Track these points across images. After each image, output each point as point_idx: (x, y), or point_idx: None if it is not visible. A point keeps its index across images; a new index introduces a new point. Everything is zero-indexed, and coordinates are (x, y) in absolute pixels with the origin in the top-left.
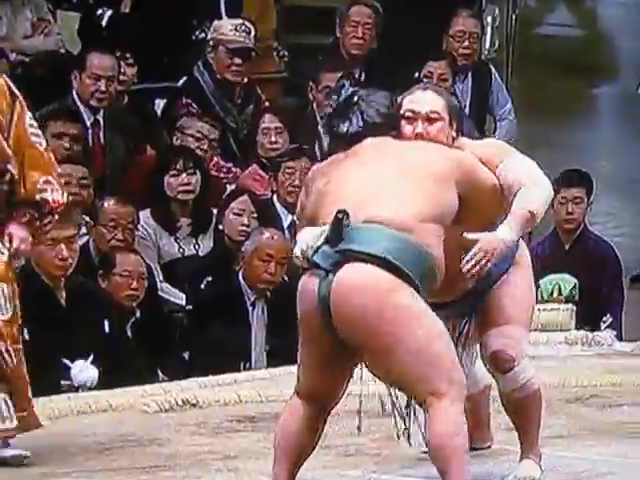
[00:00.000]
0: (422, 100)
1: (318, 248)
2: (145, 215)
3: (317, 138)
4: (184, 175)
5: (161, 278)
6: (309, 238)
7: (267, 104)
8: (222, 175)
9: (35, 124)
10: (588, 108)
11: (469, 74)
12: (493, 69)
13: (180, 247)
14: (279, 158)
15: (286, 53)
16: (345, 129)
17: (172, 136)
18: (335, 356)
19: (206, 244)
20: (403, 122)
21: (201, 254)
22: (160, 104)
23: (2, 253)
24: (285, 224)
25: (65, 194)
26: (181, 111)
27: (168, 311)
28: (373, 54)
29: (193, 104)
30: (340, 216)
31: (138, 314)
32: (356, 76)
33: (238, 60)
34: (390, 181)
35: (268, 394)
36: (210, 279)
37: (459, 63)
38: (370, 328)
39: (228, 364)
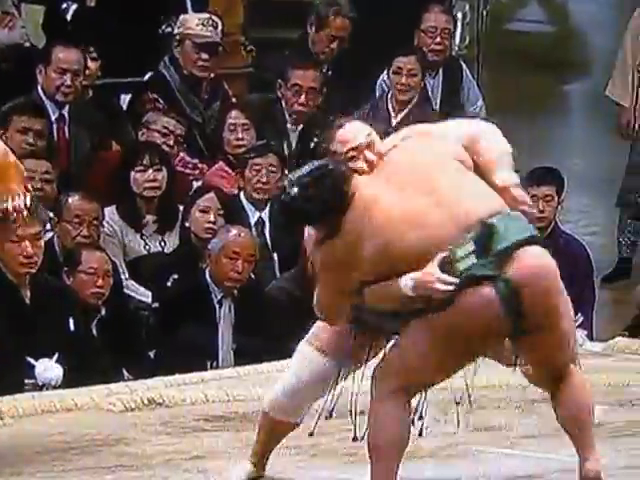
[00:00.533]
0: (349, 137)
1: (467, 268)
2: (110, 211)
3: (285, 135)
4: (150, 171)
5: (127, 275)
6: (433, 269)
7: (234, 100)
8: (188, 171)
9: None
10: (559, 105)
11: (440, 70)
12: (464, 65)
13: (146, 244)
14: (246, 154)
15: (253, 48)
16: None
17: (138, 131)
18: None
19: (172, 241)
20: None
21: (167, 251)
22: (126, 99)
23: None
24: (252, 221)
25: None
26: (147, 106)
27: (134, 309)
28: (342, 51)
29: (159, 99)
30: (488, 223)
31: (103, 312)
32: (323, 71)
33: (205, 55)
34: (447, 184)
35: (236, 393)
36: (176, 277)
37: (430, 59)
38: (558, 304)
39: (195, 363)
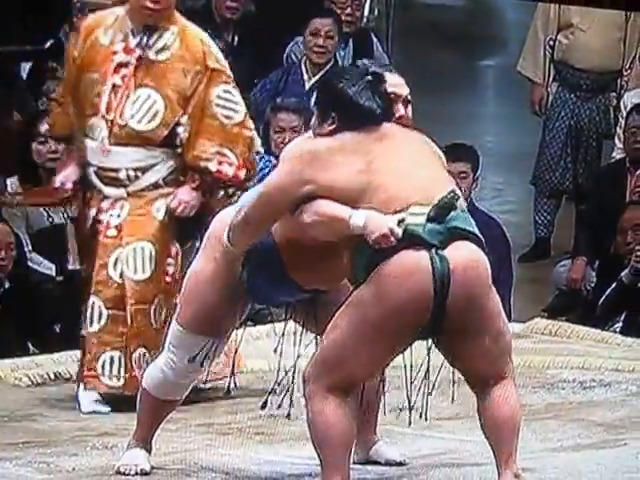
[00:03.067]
0: (399, 83)
1: (415, 226)
2: (13, 182)
3: None
4: (51, 142)
5: (30, 248)
6: (385, 218)
7: None
8: None
9: (233, 98)
10: (473, 81)
11: (350, 41)
12: (375, 38)
13: (49, 216)
14: None
15: None
16: (374, 107)
17: (38, 101)
18: (407, 343)
19: (75, 212)
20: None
21: (70, 223)
22: (26, 67)
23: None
24: None
25: (243, 170)
26: (47, 75)
27: (38, 282)
28: (247, 15)
29: (59, 68)
30: (452, 195)
31: (7, 285)
32: (228, 40)
33: None
34: (432, 167)
35: None
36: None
37: (341, 29)
38: (481, 307)
39: None
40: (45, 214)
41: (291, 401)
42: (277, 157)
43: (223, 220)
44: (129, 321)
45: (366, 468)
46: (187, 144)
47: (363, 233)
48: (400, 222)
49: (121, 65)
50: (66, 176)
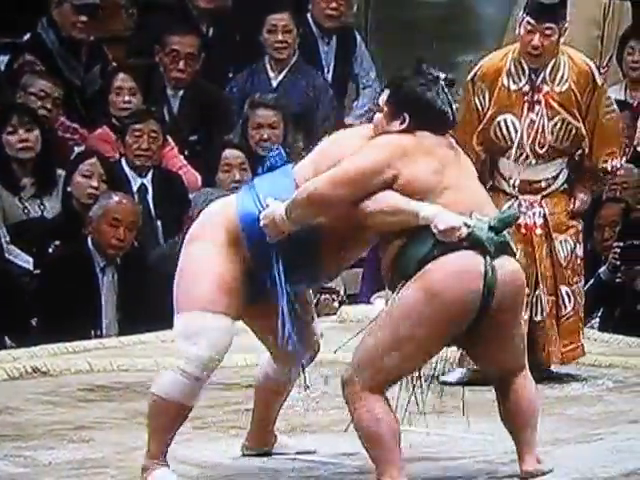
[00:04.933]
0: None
1: (481, 231)
2: None
3: (165, 101)
4: (21, 132)
5: (7, 240)
6: (459, 218)
7: (114, 64)
8: (68, 136)
9: (610, 102)
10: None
11: (334, 37)
12: (358, 35)
13: (25, 208)
14: (127, 119)
15: (135, 11)
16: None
17: (15, 94)
18: (448, 342)
19: (52, 205)
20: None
21: (47, 216)
22: (4, 60)
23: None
24: (134, 188)
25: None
26: (25, 69)
27: (15, 275)
28: (223, 7)
29: (37, 61)
30: (514, 211)
31: None
32: (204, 32)
33: (83, 17)
34: (479, 183)
35: (120, 363)
36: (57, 243)
37: (325, 25)
38: (515, 316)
39: (78, 332)
40: (21, 206)
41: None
42: (256, 154)
43: (221, 211)
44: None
45: (343, 462)
46: (589, 152)
47: (431, 223)
48: (467, 225)
49: (533, 103)
50: None
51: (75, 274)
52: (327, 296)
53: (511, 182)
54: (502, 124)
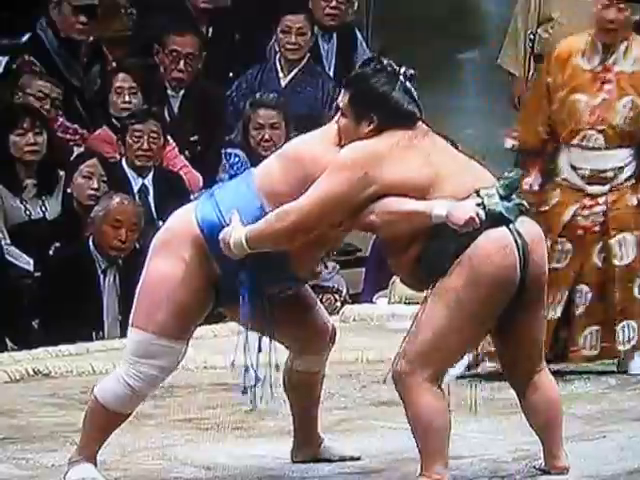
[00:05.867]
0: None
1: (496, 205)
2: None
3: (165, 101)
4: (30, 135)
5: (8, 241)
6: (465, 203)
7: (115, 64)
8: (68, 136)
9: None
10: (453, 74)
11: (334, 35)
12: (358, 32)
13: (26, 209)
14: (127, 120)
15: (134, 11)
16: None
17: (14, 95)
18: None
19: (53, 207)
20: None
21: (48, 217)
22: (2, 61)
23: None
24: (135, 188)
25: None
26: (24, 69)
27: (16, 277)
28: (222, 7)
29: (36, 62)
30: (517, 173)
31: None
32: (203, 32)
33: (83, 18)
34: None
35: None
36: (58, 245)
37: (325, 23)
38: (545, 277)
39: (80, 333)
40: (22, 207)
41: (271, 396)
42: (253, 153)
43: (184, 219)
44: (616, 298)
45: (346, 463)
46: None
47: (447, 222)
48: (479, 205)
49: (604, 82)
50: (533, 181)
51: (77, 276)
52: (329, 296)
53: (580, 172)
54: (574, 104)
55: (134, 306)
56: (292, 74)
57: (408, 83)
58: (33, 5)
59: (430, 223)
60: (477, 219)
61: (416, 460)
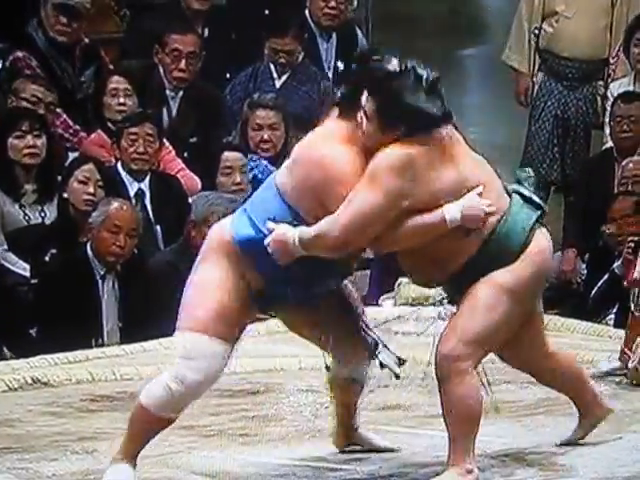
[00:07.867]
0: None
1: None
2: None
3: (164, 102)
4: (30, 137)
5: (5, 247)
6: (478, 204)
7: (110, 66)
8: (67, 135)
9: None
10: (456, 71)
11: (334, 34)
12: (358, 31)
13: (25, 214)
14: (121, 123)
15: (127, 12)
16: (440, 111)
17: (7, 99)
18: None
19: (53, 212)
20: None
21: (48, 222)
22: None
23: None
24: (131, 193)
25: None
26: (17, 69)
27: (12, 283)
28: (217, 7)
29: (30, 64)
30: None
31: None
32: (199, 32)
33: (63, 18)
34: None
35: (123, 372)
36: (54, 251)
37: (324, 23)
38: None
39: (79, 341)
40: (22, 213)
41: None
42: (261, 157)
43: (221, 229)
44: None
45: (356, 469)
46: None
47: (462, 223)
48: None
49: None
50: None
51: (75, 282)
52: None
53: None
54: None
55: (180, 309)
56: (286, 75)
57: (435, 88)
58: (26, 6)
59: (447, 229)
60: (484, 216)
61: (425, 465)
